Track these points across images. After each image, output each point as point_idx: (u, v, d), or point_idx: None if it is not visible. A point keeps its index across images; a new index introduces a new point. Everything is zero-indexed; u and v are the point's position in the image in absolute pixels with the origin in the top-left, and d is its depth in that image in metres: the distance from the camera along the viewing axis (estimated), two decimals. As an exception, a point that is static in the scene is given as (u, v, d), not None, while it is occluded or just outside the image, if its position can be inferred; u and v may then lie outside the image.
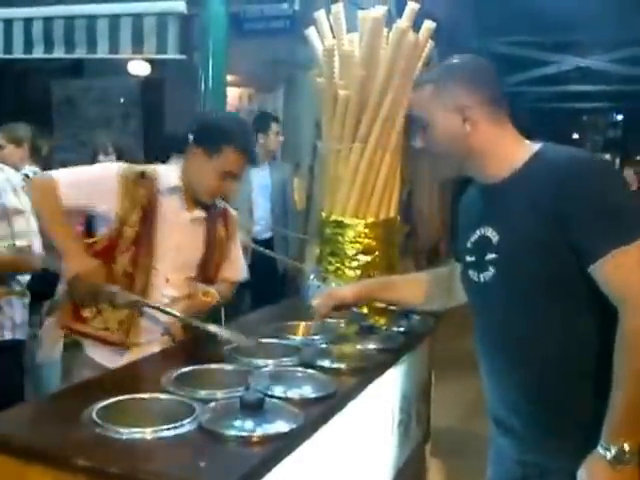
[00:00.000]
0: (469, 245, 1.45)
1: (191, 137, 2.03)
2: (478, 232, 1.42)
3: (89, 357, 2.04)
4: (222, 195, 2.07)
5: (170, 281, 2.04)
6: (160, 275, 2.02)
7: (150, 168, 2.06)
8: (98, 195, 1.96)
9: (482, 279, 1.40)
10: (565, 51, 8.96)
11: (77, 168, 2.12)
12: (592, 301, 1.29)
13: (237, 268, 2.24)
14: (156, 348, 2.00)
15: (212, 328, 1.89)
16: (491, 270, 1.38)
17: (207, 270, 2.13)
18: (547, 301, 1.32)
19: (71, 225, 2.04)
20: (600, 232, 1.25)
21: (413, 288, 1.87)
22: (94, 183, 1.99)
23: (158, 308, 1.98)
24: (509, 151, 1.40)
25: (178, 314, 1.97)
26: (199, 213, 2.06)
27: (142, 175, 2.01)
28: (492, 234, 1.38)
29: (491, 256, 1.37)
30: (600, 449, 1.25)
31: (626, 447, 1.22)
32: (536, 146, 1.40)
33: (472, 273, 1.43)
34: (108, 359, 1.99)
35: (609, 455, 1.23)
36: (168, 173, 2.04)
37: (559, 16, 6.06)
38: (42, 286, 2.53)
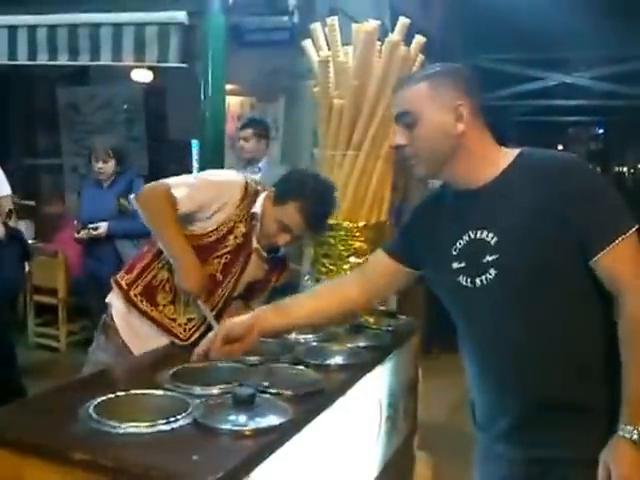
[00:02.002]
0: (455, 252, 1.43)
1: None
2: (466, 237, 1.41)
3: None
4: (274, 244, 2.09)
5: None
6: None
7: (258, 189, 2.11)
8: (221, 198, 2.00)
9: (478, 283, 1.39)
10: (551, 68, 9.28)
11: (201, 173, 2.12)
12: (593, 294, 1.33)
13: None
14: None
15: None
16: (492, 272, 1.37)
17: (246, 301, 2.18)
18: (549, 297, 1.35)
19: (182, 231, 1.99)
20: (598, 226, 1.30)
21: (311, 309, 1.70)
22: (221, 185, 2.03)
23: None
24: (494, 155, 1.43)
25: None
26: (261, 250, 2.10)
27: (256, 193, 2.08)
28: (488, 236, 1.38)
29: (491, 257, 1.36)
30: (622, 432, 1.27)
31: None
32: (515, 151, 1.43)
33: (463, 279, 1.41)
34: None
35: (635, 436, 1.26)
36: (259, 200, 2.09)
37: (545, 35, 6.26)
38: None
